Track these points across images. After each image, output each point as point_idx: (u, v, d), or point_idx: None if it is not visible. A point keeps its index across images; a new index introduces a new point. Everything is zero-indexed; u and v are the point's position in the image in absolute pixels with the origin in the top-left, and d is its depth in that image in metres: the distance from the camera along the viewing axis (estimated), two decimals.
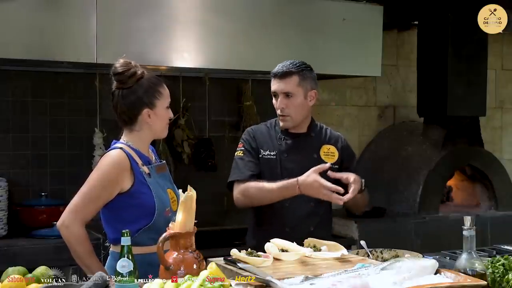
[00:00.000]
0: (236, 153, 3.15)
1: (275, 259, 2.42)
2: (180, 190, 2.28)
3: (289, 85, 3.04)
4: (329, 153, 3.13)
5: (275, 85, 3.07)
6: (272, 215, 3.06)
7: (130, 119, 2.58)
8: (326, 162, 3.07)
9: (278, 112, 3.09)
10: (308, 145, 3.12)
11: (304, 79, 3.06)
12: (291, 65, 3.06)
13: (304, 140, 3.13)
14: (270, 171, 3.07)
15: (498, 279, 2.22)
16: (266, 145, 3.12)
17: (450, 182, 5.47)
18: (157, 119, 2.59)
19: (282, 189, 2.94)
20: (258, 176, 3.06)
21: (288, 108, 3.05)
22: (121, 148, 2.54)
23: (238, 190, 3.06)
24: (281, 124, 3.12)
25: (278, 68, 3.08)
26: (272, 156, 3.10)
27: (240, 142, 3.17)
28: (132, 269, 1.96)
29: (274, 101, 3.11)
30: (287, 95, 3.04)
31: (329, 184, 2.83)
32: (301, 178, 2.87)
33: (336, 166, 3.12)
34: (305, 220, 3.05)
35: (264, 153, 3.11)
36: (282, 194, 2.96)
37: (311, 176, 2.85)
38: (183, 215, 2.18)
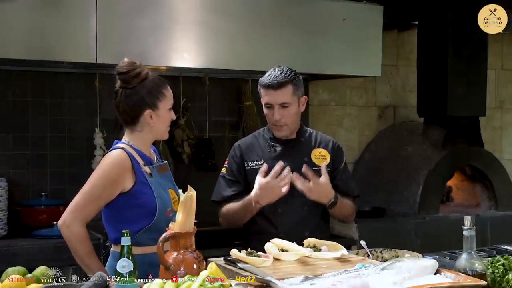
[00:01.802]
0: (222, 169, 3.19)
1: (275, 259, 2.42)
2: (180, 190, 2.28)
3: (285, 96, 2.99)
4: (321, 156, 3.10)
5: (269, 97, 3.01)
6: (265, 221, 3.05)
7: (132, 119, 2.58)
8: (318, 166, 3.05)
9: (274, 122, 3.05)
10: (298, 150, 3.09)
11: (297, 88, 3.03)
12: (282, 74, 2.99)
13: (294, 146, 3.10)
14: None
15: (498, 279, 2.22)
16: (253, 156, 3.10)
17: (450, 182, 5.47)
18: (159, 121, 2.59)
19: (245, 206, 2.99)
20: (239, 193, 3.07)
21: (285, 118, 3.02)
22: (122, 148, 2.54)
23: (219, 212, 3.14)
24: (277, 134, 3.09)
25: (270, 79, 3.00)
26: (260, 166, 3.05)
27: (226, 159, 3.19)
28: (132, 269, 1.96)
29: (266, 111, 3.06)
30: (283, 105, 3.00)
31: (269, 176, 2.85)
32: (253, 192, 2.91)
33: (329, 169, 3.08)
34: (299, 225, 3.02)
35: (252, 164, 3.09)
36: (247, 210, 2.99)
37: (256, 185, 2.90)
38: (183, 215, 2.18)
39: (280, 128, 3.06)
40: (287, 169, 2.87)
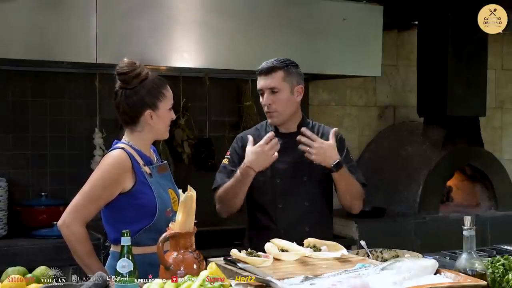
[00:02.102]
0: (223, 160, 3.19)
1: (275, 259, 2.41)
2: (180, 190, 2.28)
3: (274, 80, 3.02)
4: None
5: (260, 82, 3.06)
6: (266, 217, 3.06)
7: (132, 119, 2.58)
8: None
9: (265, 109, 3.07)
10: (298, 144, 3.11)
11: (289, 74, 3.04)
12: (275, 61, 3.05)
13: (295, 140, 3.08)
14: (261, 173, 3.05)
15: (498, 279, 2.22)
16: None
17: (450, 182, 5.47)
18: (159, 121, 2.59)
19: (238, 178, 2.96)
20: None
21: (275, 104, 3.03)
22: (122, 148, 2.54)
23: (215, 198, 3.11)
24: (269, 121, 3.11)
25: (262, 65, 3.07)
26: None
27: (228, 150, 3.20)
28: (132, 269, 1.96)
29: (261, 99, 3.10)
30: (272, 91, 3.02)
31: (262, 141, 2.90)
32: (245, 160, 2.93)
33: None
34: (299, 221, 3.02)
35: None
36: (241, 182, 2.96)
37: (247, 153, 2.92)
38: (183, 215, 2.18)
39: (271, 114, 3.07)
40: (276, 139, 2.92)
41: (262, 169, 2.93)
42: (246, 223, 3.22)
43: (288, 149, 3.06)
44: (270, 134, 2.94)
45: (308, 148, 2.92)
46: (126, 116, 2.58)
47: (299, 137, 2.95)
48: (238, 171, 2.97)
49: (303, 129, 2.97)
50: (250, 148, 2.94)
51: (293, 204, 3.02)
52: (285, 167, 3.05)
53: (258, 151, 2.90)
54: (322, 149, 2.92)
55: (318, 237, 2.69)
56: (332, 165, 2.94)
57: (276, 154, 2.90)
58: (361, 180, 3.15)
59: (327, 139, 3.09)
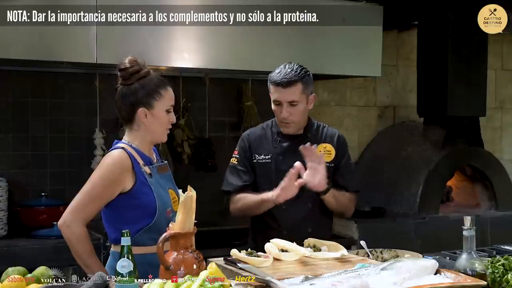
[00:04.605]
0: (231, 160, 3.17)
1: (275, 259, 2.42)
2: (180, 190, 2.28)
3: (294, 95, 2.99)
4: (326, 152, 3.11)
5: (278, 94, 3.01)
6: (269, 217, 3.07)
7: (127, 116, 2.58)
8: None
9: (281, 119, 3.06)
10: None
11: (306, 86, 3.03)
12: (293, 72, 2.99)
13: (300, 142, 3.08)
14: (266, 175, 3.08)
15: (498, 279, 2.22)
16: (261, 149, 3.11)
17: (450, 182, 5.47)
18: (154, 121, 2.57)
19: (261, 203, 2.99)
20: (250, 184, 3.10)
21: (292, 116, 3.03)
22: (123, 148, 2.54)
23: (231, 201, 3.13)
24: (284, 130, 3.10)
25: (280, 76, 2.99)
26: (267, 160, 3.10)
27: (236, 149, 3.18)
28: (132, 269, 1.96)
29: (274, 107, 3.07)
30: (291, 104, 3.01)
31: (287, 178, 2.85)
32: (275, 192, 2.90)
33: (332, 165, 3.12)
34: (302, 222, 3.04)
35: (259, 157, 3.11)
36: (264, 206, 2.99)
37: (279, 187, 2.88)
38: (183, 215, 2.18)
39: (287, 125, 3.07)
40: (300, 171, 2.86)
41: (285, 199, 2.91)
42: (250, 223, 3.23)
43: (293, 151, 3.07)
44: (297, 166, 2.86)
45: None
46: (123, 112, 2.58)
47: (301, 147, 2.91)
48: (264, 197, 2.96)
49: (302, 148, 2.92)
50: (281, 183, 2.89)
51: (297, 205, 3.03)
52: (288, 169, 3.05)
53: (285, 186, 2.86)
54: (317, 171, 2.90)
55: (319, 238, 2.69)
56: (323, 191, 2.96)
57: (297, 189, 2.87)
58: (353, 189, 3.19)
59: (330, 142, 3.13)
